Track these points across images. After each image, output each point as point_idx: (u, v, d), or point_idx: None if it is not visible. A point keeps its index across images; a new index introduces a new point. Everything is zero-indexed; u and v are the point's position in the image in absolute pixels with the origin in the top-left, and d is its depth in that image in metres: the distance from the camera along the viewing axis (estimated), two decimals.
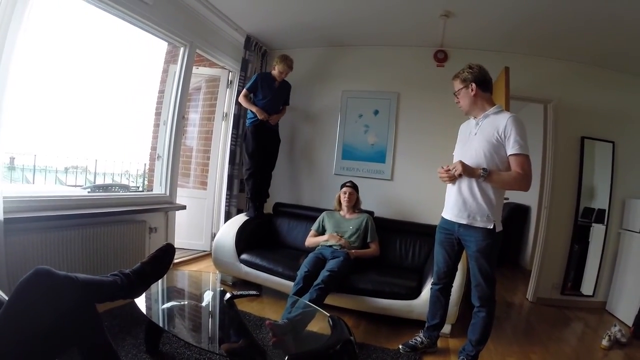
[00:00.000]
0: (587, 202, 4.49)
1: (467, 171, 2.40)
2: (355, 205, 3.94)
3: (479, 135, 2.49)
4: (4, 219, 2.38)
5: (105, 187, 6.37)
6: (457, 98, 2.62)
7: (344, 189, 3.95)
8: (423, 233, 3.92)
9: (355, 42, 4.79)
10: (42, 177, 6.04)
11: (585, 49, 4.02)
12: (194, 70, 4.36)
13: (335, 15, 4.13)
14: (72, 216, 2.92)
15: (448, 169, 2.50)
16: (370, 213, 4.03)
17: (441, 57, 4.47)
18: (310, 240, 3.85)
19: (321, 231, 3.89)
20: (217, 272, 3.97)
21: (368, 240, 3.77)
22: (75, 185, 6.55)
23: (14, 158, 5.75)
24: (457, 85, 2.59)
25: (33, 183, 5.86)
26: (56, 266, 1.54)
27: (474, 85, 2.50)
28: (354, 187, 3.97)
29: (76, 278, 1.57)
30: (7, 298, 1.54)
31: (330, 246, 3.63)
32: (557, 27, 3.64)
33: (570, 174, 4.41)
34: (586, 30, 3.62)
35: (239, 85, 4.70)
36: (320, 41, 4.91)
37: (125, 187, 6.77)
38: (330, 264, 3.28)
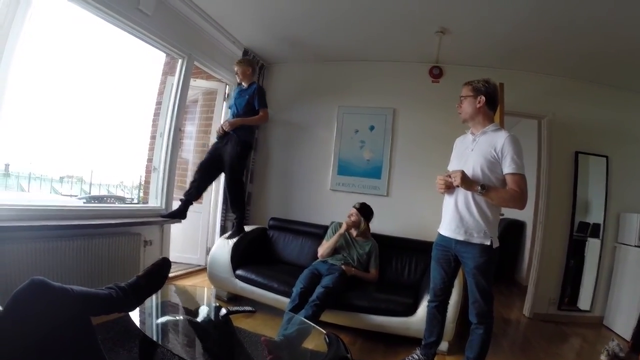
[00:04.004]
0: (582, 216, 4.51)
1: (466, 182, 2.39)
2: (361, 229, 3.83)
3: (476, 152, 2.50)
4: None
5: (100, 199, 6.33)
6: (461, 104, 2.62)
7: (352, 209, 3.86)
8: (419, 249, 3.91)
9: (351, 57, 4.83)
10: (37, 185, 6.01)
11: (579, 65, 4.08)
12: (191, 82, 4.34)
13: (331, 31, 4.19)
14: (67, 227, 2.90)
15: (448, 175, 2.49)
16: None
17: (436, 73, 4.50)
18: (323, 247, 3.77)
19: None
20: (212, 287, 3.93)
21: (370, 266, 3.75)
22: (70, 195, 6.52)
23: (9, 165, 5.72)
24: (466, 91, 2.58)
25: (28, 191, 5.82)
26: (50, 277, 1.52)
27: (483, 98, 2.51)
28: (362, 211, 3.83)
29: (71, 290, 1.55)
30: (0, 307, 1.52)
31: (325, 262, 3.63)
32: (551, 43, 3.71)
33: (565, 188, 4.44)
34: (580, 47, 3.68)
35: None
36: (317, 56, 4.95)
37: (121, 199, 6.73)
38: (326, 280, 3.27)
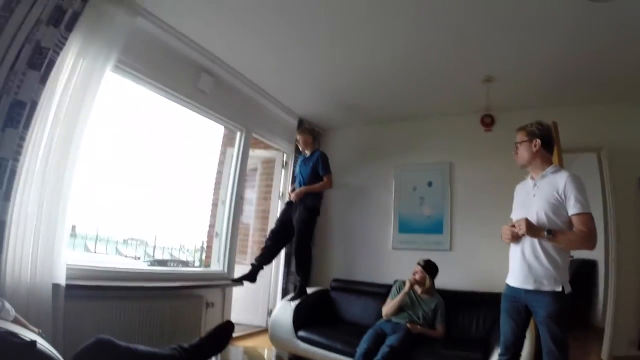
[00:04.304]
0: None
1: (532, 230, 2.32)
2: (425, 286, 3.78)
3: (538, 197, 2.44)
4: (66, 284, 2.49)
5: (163, 262, 6.56)
6: (517, 150, 2.59)
7: (416, 266, 3.83)
8: (486, 302, 3.74)
9: (403, 116, 4.97)
10: (103, 246, 6.34)
11: (631, 88, 3.92)
12: (250, 152, 4.59)
13: (381, 94, 4.36)
14: (131, 288, 3.04)
15: (513, 225, 2.43)
16: None
17: (488, 121, 4.47)
18: (388, 305, 3.73)
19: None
20: (274, 348, 3.93)
21: (436, 322, 3.66)
22: (134, 257, 6.82)
23: (75, 226, 6.08)
24: (521, 137, 2.56)
25: (94, 252, 6.15)
26: (114, 336, 1.58)
27: (538, 141, 2.48)
28: (427, 269, 3.80)
29: (136, 350, 1.60)
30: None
31: (390, 320, 3.57)
32: (599, 71, 3.64)
33: (635, 219, 4.15)
34: (631, 70, 3.56)
35: (293, 166, 4.90)
36: (369, 119, 5.14)
37: (184, 263, 6.96)
38: (391, 339, 3.20)
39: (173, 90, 3.50)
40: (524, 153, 2.54)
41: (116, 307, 2.87)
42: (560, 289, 2.30)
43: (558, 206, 2.33)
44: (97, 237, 6.18)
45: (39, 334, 1.78)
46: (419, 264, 3.82)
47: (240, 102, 4.29)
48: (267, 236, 4.33)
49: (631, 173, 4.20)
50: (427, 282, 3.74)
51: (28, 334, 1.63)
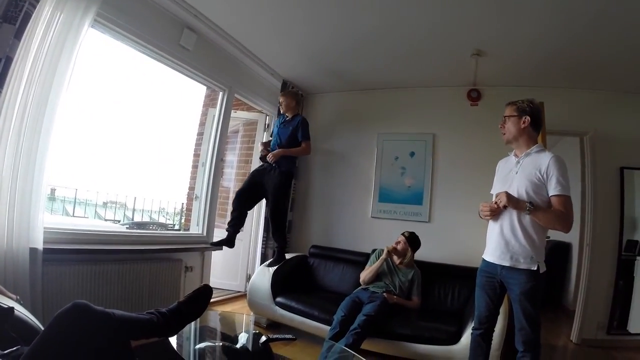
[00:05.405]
0: (630, 234, 4.29)
1: (513, 202, 2.33)
2: (405, 257, 3.79)
3: (520, 174, 2.44)
4: (43, 248, 2.45)
5: (143, 225, 6.52)
6: (504, 124, 2.56)
7: (400, 237, 3.85)
8: (462, 276, 3.82)
9: (389, 85, 4.89)
10: (82, 210, 6.25)
11: (619, 77, 3.95)
12: (232, 113, 4.48)
13: (369, 60, 4.26)
14: (109, 251, 3.01)
15: (495, 203, 2.43)
16: None
17: (475, 96, 4.45)
18: (365, 272, 3.76)
19: None
20: (252, 313, 3.97)
21: (412, 294, 3.69)
22: (113, 220, 6.76)
23: (55, 189, 6.00)
24: (510, 111, 2.53)
25: (73, 215, 6.08)
26: (91, 300, 1.55)
27: (528, 118, 2.46)
28: (411, 240, 3.81)
29: (113, 314, 1.58)
30: (41, 326, 1.56)
31: (367, 289, 3.59)
32: (589, 57, 3.62)
33: (612, 206, 4.24)
34: (619, 59, 3.57)
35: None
36: (355, 85, 5.03)
37: (163, 226, 6.91)
38: (367, 308, 3.24)
39: (154, 47, 3.36)
40: (511, 128, 2.52)
41: (95, 271, 2.85)
42: (535, 267, 2.33)
43: (539, 185, 2.34)
44: (75, 200, 6.07)
45: (17, 300, 1.75)
46: (403, 234, 3.83)
47: (224, 61, 4.18)
48: (234, 197, 4.17)
49: (613, 161, 4.26)
50: (408, 255, 3.77)
51: (6, 301, 1.60)
